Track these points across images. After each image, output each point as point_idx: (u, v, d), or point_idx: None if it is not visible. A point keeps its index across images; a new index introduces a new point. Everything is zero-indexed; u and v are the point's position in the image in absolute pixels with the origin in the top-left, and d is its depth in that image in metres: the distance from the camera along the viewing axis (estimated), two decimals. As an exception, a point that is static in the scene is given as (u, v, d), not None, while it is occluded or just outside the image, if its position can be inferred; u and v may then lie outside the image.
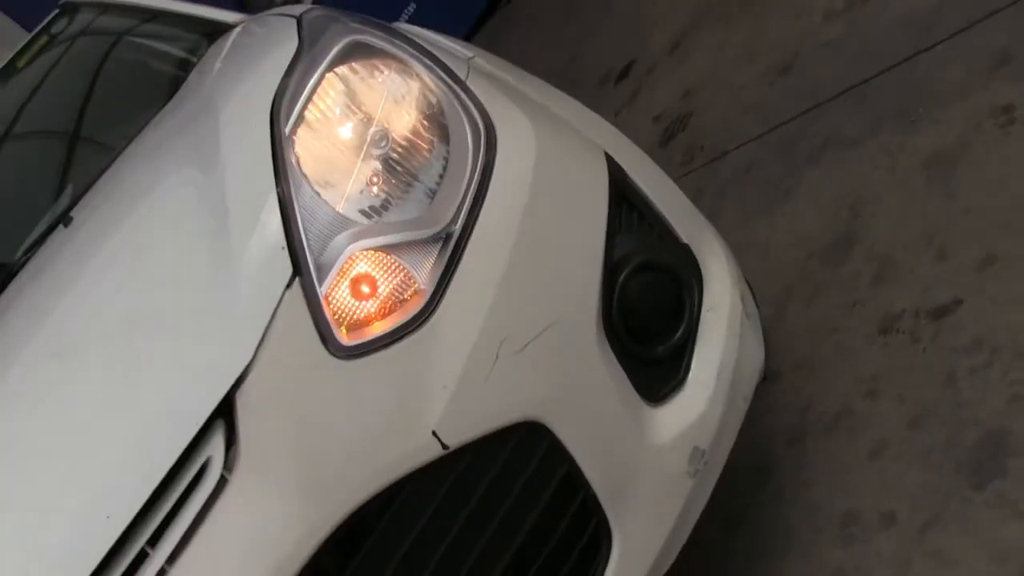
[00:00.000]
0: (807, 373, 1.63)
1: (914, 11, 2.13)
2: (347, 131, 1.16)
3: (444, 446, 1.00)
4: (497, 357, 1.04)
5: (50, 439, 1.06)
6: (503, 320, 1.06)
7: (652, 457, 1.13)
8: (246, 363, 0.99)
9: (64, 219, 1.48)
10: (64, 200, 1.67)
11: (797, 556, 1.41)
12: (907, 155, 1.83)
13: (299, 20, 1.34)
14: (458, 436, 1.01)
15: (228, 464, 0.98)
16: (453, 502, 1.03)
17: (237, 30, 1.63)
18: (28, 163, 2.06)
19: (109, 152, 1.54)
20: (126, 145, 1.49)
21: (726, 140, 2.46)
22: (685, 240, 1.27)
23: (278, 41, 1.32)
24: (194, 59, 1.67)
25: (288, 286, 1.03)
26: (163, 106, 1.51)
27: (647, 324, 1.18)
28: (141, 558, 0.95)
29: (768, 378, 1.33)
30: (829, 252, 1.81)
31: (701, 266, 1.25)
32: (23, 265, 1.44)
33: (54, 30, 2.40)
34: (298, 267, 1.04)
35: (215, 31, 1.73)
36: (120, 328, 1.13)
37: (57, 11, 2.44)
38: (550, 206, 1.16)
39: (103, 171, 1.47)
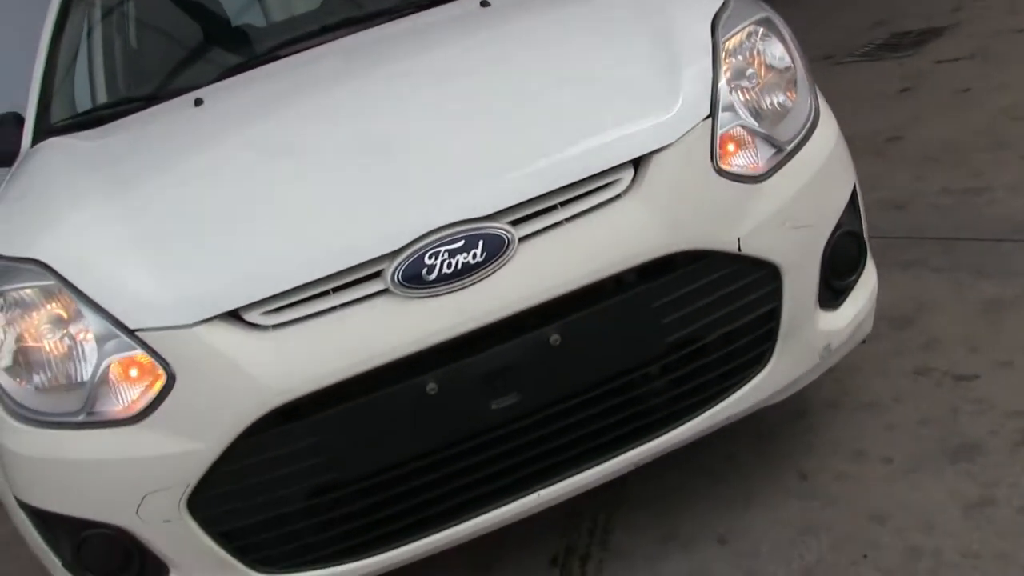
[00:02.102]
0: (860, 379, 2.34)
1: (1012, 213, 2.91)
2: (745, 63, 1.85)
3: (738, 249, 1.68)
4: (783, 222, 1.73)
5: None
6: (794, 204, 1.75)
7: (810, 332, 1.82)
8: (673, 139, 1.66)
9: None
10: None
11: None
12: (973, 291, 2.58)
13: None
14: (747, 247, 1.69)
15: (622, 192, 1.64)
16: (712, 282, 1.69)
17: None
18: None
19: None
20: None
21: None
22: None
23: None
24: None
25: (704, 118, 1.71)
26: None
27: (840, 265, 1.87)
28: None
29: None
30: (895, 321, 2.54)
31: None
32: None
33: None
34: (713, 109, 1.72)
35: None
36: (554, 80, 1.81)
37: None
38: (830, 171, 1.86)
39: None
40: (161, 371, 1.54)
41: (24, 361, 1.65)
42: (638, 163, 1.64)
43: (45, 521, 1.71)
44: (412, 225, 1.54)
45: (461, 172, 1.64)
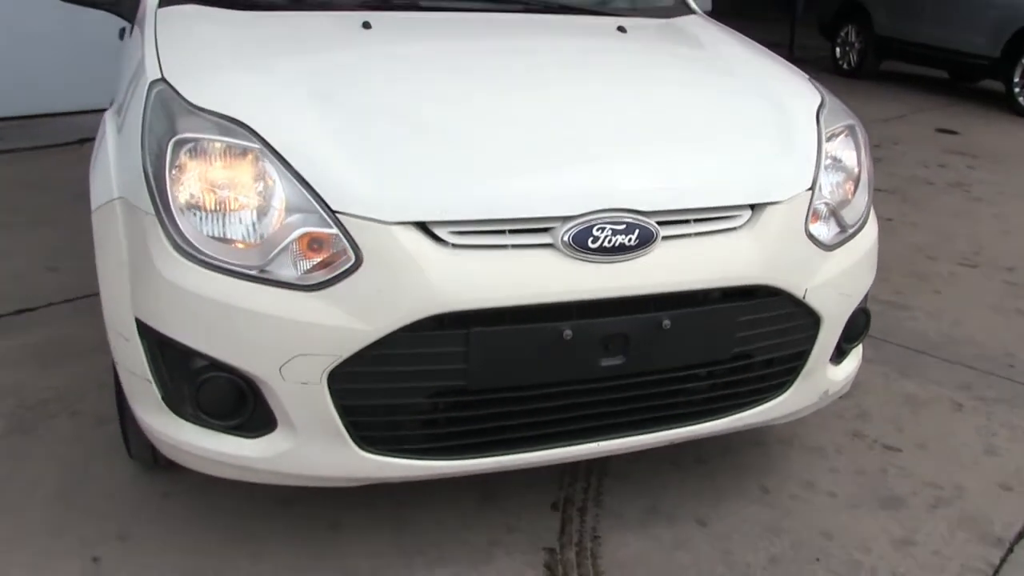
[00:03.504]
0: (808, 429, 2.80)
1: (928, 333, 3.48)
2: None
3: (803, 296, 2.08)
4: (835, 287, 2.15)
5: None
6: (844, 275, 2.17)
7: (820, 376, 2.25)
8: (784, 198, 2.05)
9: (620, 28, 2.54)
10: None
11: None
12: (898, 385, 3.11)
13: (811, 80, 2.47)
14: (809, 296, 2.10)
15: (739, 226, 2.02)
16: (777, 316, 2.08)
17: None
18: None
19: None
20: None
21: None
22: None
23: (805, 82, 2.44)
24: None
25: (807, 189, 2.11)
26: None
27: (854, 331, 2.31)
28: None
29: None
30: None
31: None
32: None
33: None
34: (814, 184, 2.13)
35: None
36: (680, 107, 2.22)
37: None
38: (871, 257, 2.30)
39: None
40: (351, 254, 1.79)
41: (207, 208, 1.85)
42: (755, 207, 2.03)
43: (168, 351, 1.90)
44: (591, 199, 1.86)
45: (635, 168, 1.98)
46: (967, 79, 10.29)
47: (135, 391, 2.00)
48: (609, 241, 1.86)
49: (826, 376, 2.27)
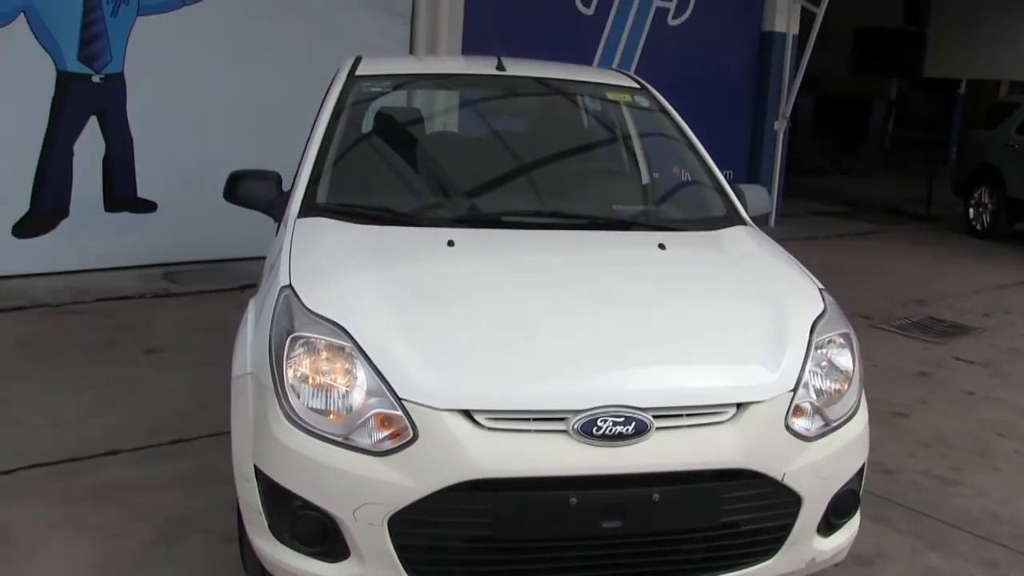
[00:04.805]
0: None
1: (972, 510, 3.76)
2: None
3: (782, 478, 2.53)
4: (814, 471, 2.59)
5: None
6: (824, 462, 2.61)
7: (805, 546, 2.65)
8: (766, 399, 2.53)
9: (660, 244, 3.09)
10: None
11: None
12: (923, 557, 3.41)
13: (821, 292, 2.95)
14: (787, 479, 2.54)
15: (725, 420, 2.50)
16: (759, 494, 2.53)
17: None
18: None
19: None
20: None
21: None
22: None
23: (814, 292, 2.93)
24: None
25: (789, 391, 2.59)
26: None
27: (840, 509, 2.72)
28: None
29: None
30: (858, 558, 3.36)
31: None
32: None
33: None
34: (796, 386, 2.59)
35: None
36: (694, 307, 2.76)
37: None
38: (853, 448, 2.72)
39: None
40: (411, 430, 2.38)
41: (310, 388, 2.49)
42: (739, 405, 2.52)
43: (275, 492, 2.52)
44: (597, 397, 2.40)
45: (636, 373, 2.52)
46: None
47: (250, 520, 2.62)
48: (610, 430, 2.38)
49: (812, 546, 2.67)
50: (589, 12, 9.25)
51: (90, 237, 6.75)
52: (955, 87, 18.56)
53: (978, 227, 11.30)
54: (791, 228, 10.89)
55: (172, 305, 6.31)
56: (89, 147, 6.74)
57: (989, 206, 11.17)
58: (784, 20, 10.68)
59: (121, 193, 6.91)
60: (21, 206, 6.55)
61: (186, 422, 4.27)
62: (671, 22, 9.91)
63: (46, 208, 6.63)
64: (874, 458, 4.19)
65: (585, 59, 8.83)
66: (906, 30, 15.90)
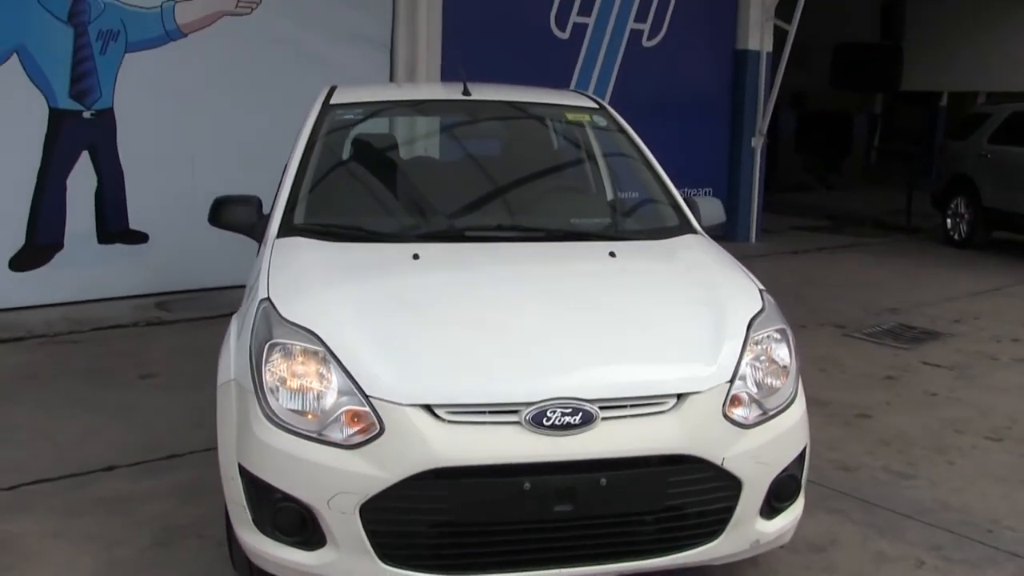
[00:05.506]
0: None
1: (923, 500, 3.98)
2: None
3: (722, 463, 2.75)
4: (752, 457, 2.81)
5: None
6: (761, 448, 2.84)
7: (749, 528, 2.87)
8: (704, 389, 2.76)
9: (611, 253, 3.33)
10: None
11: None
12: (872, 544, 3.63)
13: (761, 292, 3.19)
14: (727, 464, 2.76)
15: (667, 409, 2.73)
16: (701, 478, 2.75)
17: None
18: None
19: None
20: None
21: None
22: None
23: (754, 292, 3.16)
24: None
25: (726, 382, 2.82)
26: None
27: (781, 493, 2.94)
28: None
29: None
30: (811, 545, 3.58)
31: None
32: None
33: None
34: (732, 378, 2.82)
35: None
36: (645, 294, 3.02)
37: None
38: (790, 436, 2.95)
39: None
40: (378, 425, 2.61)
41: (287, 390, 2.73)
42: (680, 396, 2.75)
43: (257, 487, 2.74)
44: (547, 391, 2.63)
45: (582, 368, 2.75)
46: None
47: (236, 515, 2.85)
48: (559, 420, 2.61)
49: (755, 528, 2.89)
50: (565, 36, 9.53)
51: (84, 269, 6.99)
52: (938, 100, 18.90)
53: (956, 237, 11.50)
54: (772, 243, 11.15)
55: (165, 333, 6.53)
56: (81, 181, 6.99)
57: (966, 216, 11.38)
58: (757, 37, 10.95)
59: (113, 225, 7.15)
60: (17, 240, 6.79)
61: (180, 439, 4.48)
62: (646, 43, 10.17)
63: (41, 242, 6.87)
64: (834, 456, 4.48)
65: (562, 82, 9.08)
66: (882, 45, 16.26)
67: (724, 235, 10.05)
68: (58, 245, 6.94)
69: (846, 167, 18.96)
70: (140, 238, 7.26)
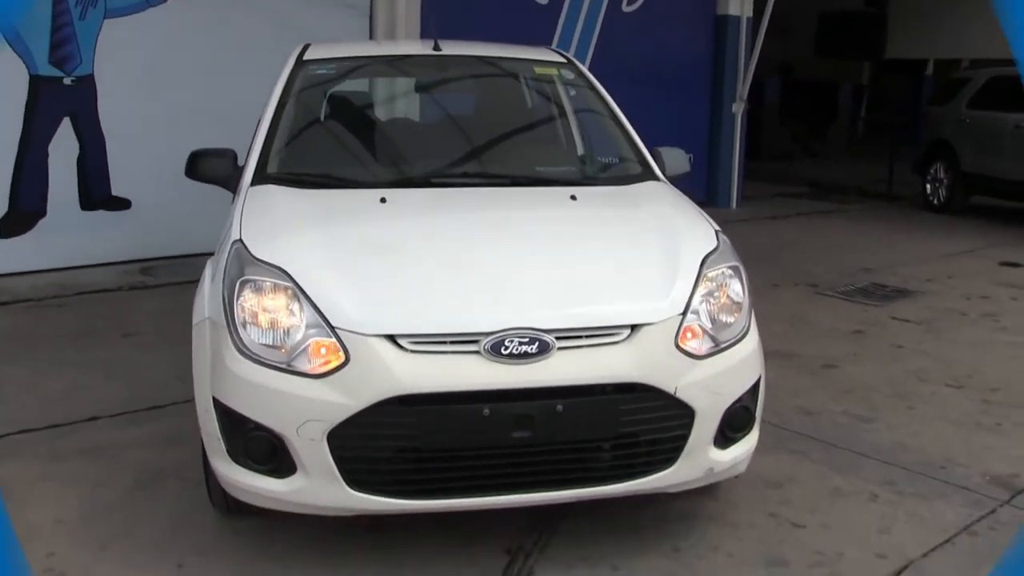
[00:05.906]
0: (733, 509, 3.51)
1: (881, 442, 4.13)
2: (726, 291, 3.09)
3: (674, 392, 2.88)
4: (705, 387, 2.94)
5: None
6: (713, 378, 2.96)
7: (703, 456, 2.99)
8: (657, 320, 2.88)
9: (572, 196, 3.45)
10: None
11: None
12: (829, 481, 3.77)
13: (717, 233, 3.31)
14: (680, 393, 2.88)
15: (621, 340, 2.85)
16: (654, 406, 2.87)
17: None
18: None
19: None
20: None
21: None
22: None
23: (709, 232, 3.28)
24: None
25: (679, 314, 2.94)
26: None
27: (734, 423, 3.07)
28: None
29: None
30: (769, 482, 3.73)
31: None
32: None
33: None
34: (685, 311, 2.94)
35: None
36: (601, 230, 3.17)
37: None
38: (742, 367, 3.08)
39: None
40: (343, 355, 2.73)
41: (257, 324, 2.84)
42: (634, 327, 2.87)
43: (230, 418, 2.86)
44: (505, 321, 2.75)
45: (539, 299, 2.86)
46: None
47: (211, 447, 2.97)
48: (517, 349, 2.73)
49: (709, 456, 3.02)
50: (544, 1, 9.59)
51: (68, 235, 7.07)
52: (924, 69, 18.96)
53: (935, 202, 11.62)
54: (752, 209, 11.27)
55: (148, 296, 6.63)
56: (63, 148, 7.06)
57: (945, 181, 11.48)
58: (738, 3, 11.02)
59: (96, 192, 7.23)
60: (0, 207, 6.85)
61: (162, 392, 4.60)
62: (625, 8, 10.21)
63: (24, 208, 6.95)
64: (798, 402, 4.63)
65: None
66: (866, 12, 16.31)
67: (705, 200, 10.32)
68: (41, 212, 7.02)
69: (830, 135, 19.06)
70: (123, 204, 7.34)
